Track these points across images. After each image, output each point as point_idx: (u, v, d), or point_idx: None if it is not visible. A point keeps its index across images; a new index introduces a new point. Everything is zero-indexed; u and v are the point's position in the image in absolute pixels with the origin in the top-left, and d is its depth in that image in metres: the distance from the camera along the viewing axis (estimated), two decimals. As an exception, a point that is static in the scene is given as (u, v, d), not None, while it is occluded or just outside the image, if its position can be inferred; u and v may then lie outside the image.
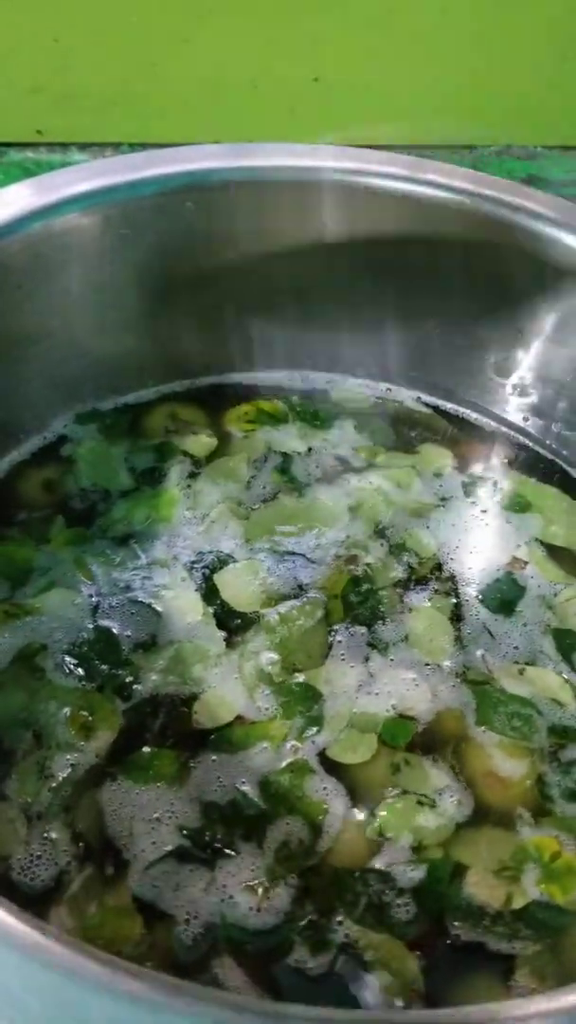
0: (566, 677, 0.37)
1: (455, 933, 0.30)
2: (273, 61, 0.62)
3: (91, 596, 0.38)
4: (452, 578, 0.40)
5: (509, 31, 0.63)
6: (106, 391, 0.46)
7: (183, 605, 0.38)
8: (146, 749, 0.33)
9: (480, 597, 0.39)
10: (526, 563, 0.40)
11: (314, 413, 0.46)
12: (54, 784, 0.32)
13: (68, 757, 0.33)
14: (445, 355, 0.47)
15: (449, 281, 0.44)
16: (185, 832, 0.31)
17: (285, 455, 0.44)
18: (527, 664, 0.37)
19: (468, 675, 0.36)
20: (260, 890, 0.30)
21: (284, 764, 0.33)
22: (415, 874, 0.31)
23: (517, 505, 0.43)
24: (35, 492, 0.42)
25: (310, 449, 0.45)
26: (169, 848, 0.31)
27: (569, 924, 0.30)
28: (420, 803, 0.33)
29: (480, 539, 0.42)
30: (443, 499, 0.43)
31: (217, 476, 0.43)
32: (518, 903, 0.30)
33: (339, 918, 0.30)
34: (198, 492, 0.42)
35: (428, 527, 0.42)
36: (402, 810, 0.32)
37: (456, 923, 0.30)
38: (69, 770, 0.33)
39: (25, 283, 0.38)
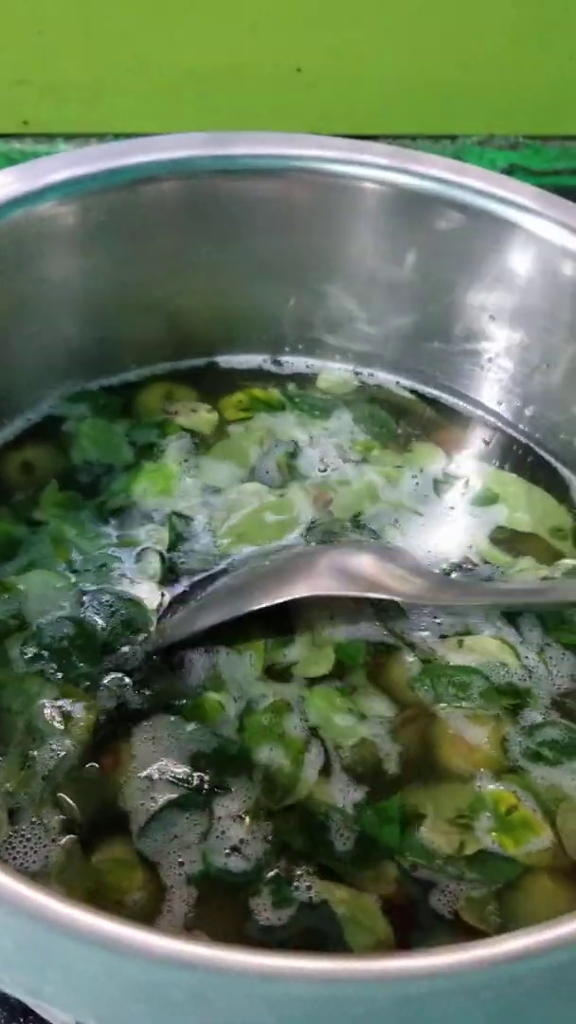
0: (510, 641, 0.38)
1: (405, 868, 0.32)
2: (256, 52, 0.63)
3: (71, 573, 0.38)
4: None
5: (491, 20, 0.64)
6: (91, 375, 0.46)
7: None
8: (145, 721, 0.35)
9: None
10: (475, 565, 0.41)
11: (312, 403, 0.47)
12: (39, 771, 0.33)
13: (51, 741, 0.34)
14: (422, 340, 0.47)
15: (427, 268, 0.45)
16: (179, 782, 0.33)
17: (296, 443, 0.45)
18: (464, 635, 0.38)
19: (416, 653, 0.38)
20: (249, 818, 0.32)
21: (264, 705, 0.35)
22: (372, 819, 0.33)
23: (484, 498, 0.44)
24: (19, 472, 0.43)
25: (311, 438, 0.45)
26: (166, 799, 0.32)
27: (517, 875, 0.32)
28: (349, 711, 0.35)
29: (441, 535, 0.42)
30: (421, 495, 0.44)
31: (225, 456, 0.44)
32: (470, 849, 0.32)
33: (305, 869, 0.31)
34: (202, 470, 0.43)
35: (397, 521, 0.42)
36: (329, 704, 0.35)
37: (408, 860, 0.32)
38: (53, 753, 0.33)
39: (6, 269, 0.39)
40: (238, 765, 0.34)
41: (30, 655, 0.36)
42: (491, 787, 0.34)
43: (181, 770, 0.33)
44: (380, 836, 0.32)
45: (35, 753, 0.33)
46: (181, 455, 0.44)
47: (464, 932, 0.30)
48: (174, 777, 0.33)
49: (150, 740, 0.34)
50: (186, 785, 0.33)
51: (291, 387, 0.48)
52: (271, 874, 0.31)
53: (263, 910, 0.31)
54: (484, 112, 0.68)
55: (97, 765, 0.33)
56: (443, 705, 0.36)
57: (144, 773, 0.33)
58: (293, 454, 0.44)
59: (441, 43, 0.65)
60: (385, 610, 0.39)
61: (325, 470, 0.44)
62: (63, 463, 0.43)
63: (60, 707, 0.34)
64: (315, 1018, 0.21)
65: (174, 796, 0.32)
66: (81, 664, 0.36)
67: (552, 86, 0.68)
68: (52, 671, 0.35)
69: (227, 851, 0.31)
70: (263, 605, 0.36)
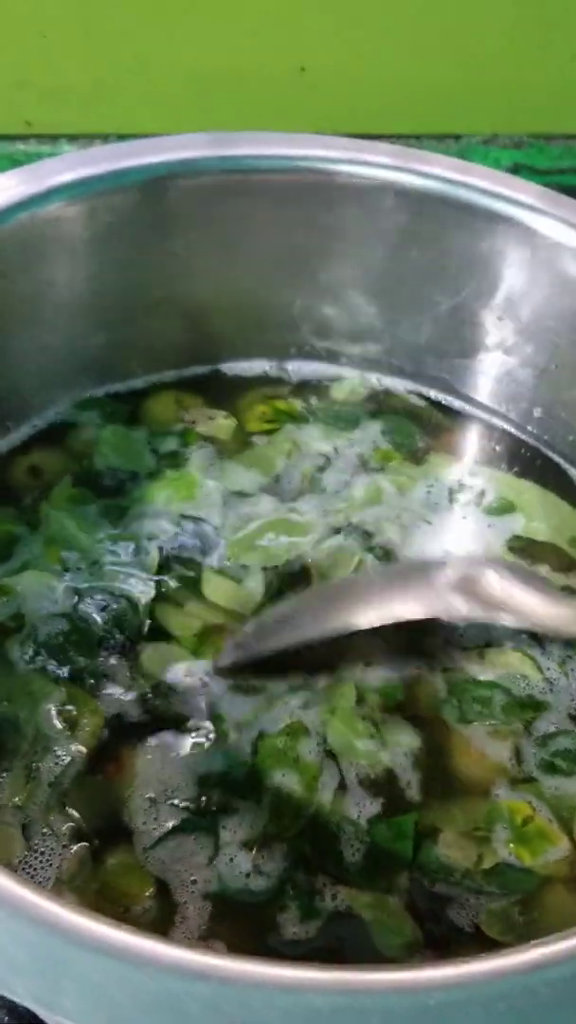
0: (532, 653, 0.38)
1: (424, 885, 0.31)
2: (259, 52, 0.62)
3: (65, 572, 0.38)
4: None
5: (492, 20, 0.64)
6: (98, 380, 0.46)
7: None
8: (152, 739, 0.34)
9: None
10: None
11: (335, 414, 0.47)
12: (45, 779, 0.33)
13: (57, 751, 0.33)
14: (429, 342, 0.47)
15: (432, 269, 0.45)
16: (184, 805, 0.32)
17: (327, 457, 0.44)
18: (484, 647, 0.38)
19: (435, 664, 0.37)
20: (255, 847, 0.31)
21: (279, 728, 0.34)
22: (385, 832, 0.32)
23: (499, 508, 0.43)
24: (26, 476, 0.42)
25: (336, 450, 0.45)
26: (171, 824, 0.32)
27: (535, 886, 0.31)
28: (371, 736, 0.34)
29: (452, 543, 0.42)
30: (432, 503, 0.43)
31: (251, 464, 0.44)
32: (488, 863, 0.32)
33: (325, 880, 0.31)
34: (226, 473, 0.43)
35: (405, 525, 0.42)
36: (351, 729, 0.34)
37: (425, 876, 0.31)
38: (58, 764, 0.33)
39: (10, 272, 0.39)
40: (247, 789, 0.33)
41: (29, 655, 0.36)
42: (506, 798, 0.33)
43: (187, 792, 0.33)
44: (393, 849, 0.32)
45: (39, 764, 0.33)
46: (205, 463, 0.43)
47: (485, 945, 0.30)
48: (180, 800, 0.32)
49: (158, 758, 0.33)
50: (192, 809, 0.32)
51: (314, 401, 0.47)
52: (294, 891, 0.31)
53: (290, 925, 0.30)
54: (487, 111, 0.68)
55: (103, 773, 0.33)
56: (466, 723, 0.35)
57: (149, 794, 0.33)
58: (322, 468, 0.44)
59: (442, 43, 0.64)
60: (420, 642, 0.37)
61: (342, 489, 0.43)
62: (77, 468, 0.43)
63: (66, 711, 0.34)
64: (331, 1030, 0.20)
65: (177, 823, 0.32)
66: (80, 659, 0.36)
67: (553, 86, 0.68)
68: (53, 667, 0.35)
69: (245, 873, 0.31)
70: (374, 624, 0.32)
